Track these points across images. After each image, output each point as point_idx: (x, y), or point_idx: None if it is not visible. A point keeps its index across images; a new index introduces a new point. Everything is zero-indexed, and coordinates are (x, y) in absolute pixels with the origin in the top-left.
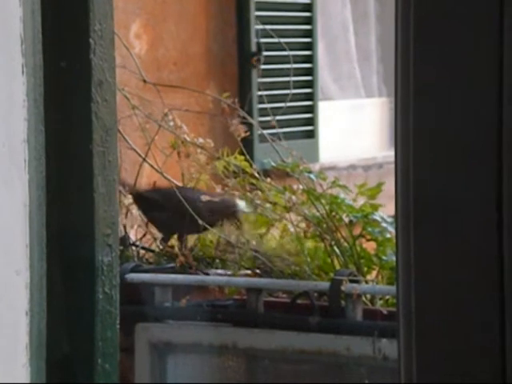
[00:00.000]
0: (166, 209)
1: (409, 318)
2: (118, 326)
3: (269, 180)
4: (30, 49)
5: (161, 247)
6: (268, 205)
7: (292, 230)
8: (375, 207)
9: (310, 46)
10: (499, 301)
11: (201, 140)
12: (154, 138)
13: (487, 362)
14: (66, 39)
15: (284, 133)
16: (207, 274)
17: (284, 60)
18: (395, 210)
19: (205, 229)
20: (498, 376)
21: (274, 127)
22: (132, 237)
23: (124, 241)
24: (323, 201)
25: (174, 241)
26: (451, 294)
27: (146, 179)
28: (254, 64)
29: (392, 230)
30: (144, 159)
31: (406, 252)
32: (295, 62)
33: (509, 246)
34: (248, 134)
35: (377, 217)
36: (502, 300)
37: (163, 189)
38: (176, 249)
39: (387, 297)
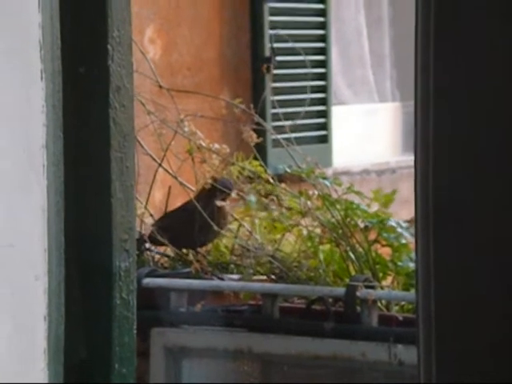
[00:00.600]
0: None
1: (428, 323)
2: (135, 331)
3: (283, 185)
4: (49, 55)
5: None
6: (283, 210)
7: (307, 235)
8: (388, 215)
9: (323, 51)
10: None
11: (216, 146)
12: (170, 144)
13: (509, 368)
14: (85, 45)
15: (297, 138)
16: (222, 279)
17: (297, 65)
18: (415, 215)
19: (217, 235)
20: None
21: (287, 132)
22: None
23: (139, 245)
24: (338, 206)
25: None
26: (470, 299)
27: (161, 184)
28: (264, 71)
29: (407, 235)
30: (160, 164)
31: (426, 257)
32: (309, 67)
33: None
34: (260, 139)
35: (392, 222)
36: None
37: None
38: (191, 255)
39: (403, 303)
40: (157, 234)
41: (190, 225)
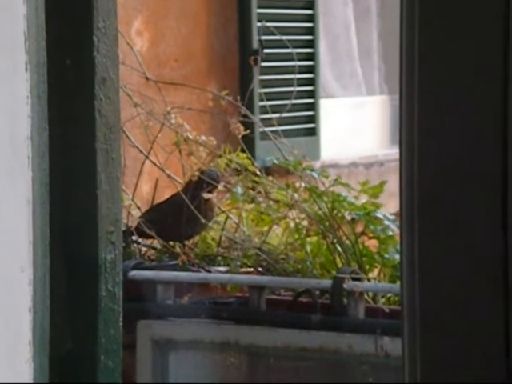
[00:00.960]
0: (162, 220)
1: (413, 316)
2: (120, 324)
3: (271, 178)
4: (34, 46)
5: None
6: (271, 202)
7: (294, 227)
8: (377, 206)
9: (311, 44)
10: (504, 299)
11: (203, 138)
12: (156, 136)
13: (492, 360)
14: (70, 36)
15: (285, 130)
16: (209, 272)
17: (285, 57)
18: (399, 208)
19: (204, 227)
20: (502, 374)
21: (274, 125)
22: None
23: (126, 237)
24: (325, 198)
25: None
26: (455, 293)
27: (148, 176)
28: (252, 63)
29: (394, 227)
30: (147, 157)
31: (410, 250)
32: (297, 60)
33: None
34: (248, 132)
35: (379, 214)
36: (506, 298)
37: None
38: (177, 248)
39: (389, 295)
40: (144, 226)
41: (177, 217)
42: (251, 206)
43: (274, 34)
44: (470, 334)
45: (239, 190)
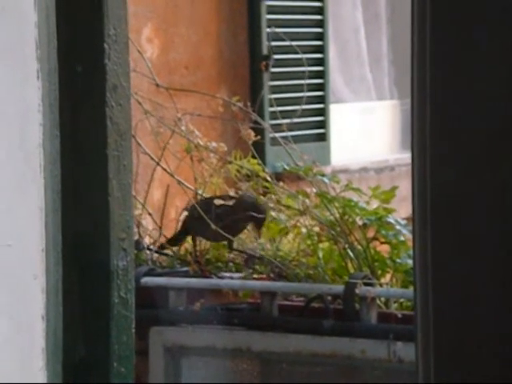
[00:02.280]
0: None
1: (426, 320)
2: (133, 330)
3: (281, 184)
4: (45, 54)
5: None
6: (282, 208)
7: (306, 233)
8: (389, 211)
9: (321, 49)
10: None
11: (214, 144)
12: (168, 142)
13: (505, 362)
14: (81, 44)
15: (296, 136)
16: (221, 278)
17: (295, 63)
18: (412, 213)
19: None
20: None
21: (284, 130)
22: (145, 239)
23: (138, 244)
24: (336, 204)
25: (187, 245)
26: (469, 297)
27: (159, 182)
28: (263, 69)
29: (406, 232)
30: (157, 163)
31: (424, 254)
32: (307, 65)
33: None
34: (258, 137)
35: (391, 219)
36: None
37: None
38: (188, 256)
39: (402, 300)
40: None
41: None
42: None
43: (283, 40)
44: (484, 338)
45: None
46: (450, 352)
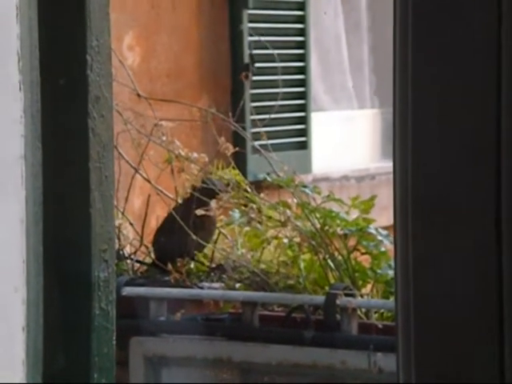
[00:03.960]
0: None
1: (407, 331)
2: (114, 342)
3: (262, 195)
4: (27, 65)
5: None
6: (263, 217)
7: (287, 243)
8: (368, 221)
9: (302, 58)
10: (498, 310)
11: (195, 155)
12: (145, 150)
13: (486, 372)
14: (63, 55)
15: (277, 144)
16: (202, 288)
17: (276, 72)
18: (393, 223)
19: (198, 247)
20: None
21: (264, 139)
22: (126, 249)
23: (118, 254)
24: (317, 214)
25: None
26: (450, 307)
27: (140, 191)
28: (243, 78)
29: (387, 242)
30: (136, 170)
31: (405, 265)
32: (288, 74)
33: (508, 257)
34: (237, 149)
35: (372, 230)
36: (500, 309)
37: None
38: (169, 266)
39: (382, 310)
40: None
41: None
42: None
43: (265, 48)
44: (466, 349)
45: (236, 214)
46: (431, 362)
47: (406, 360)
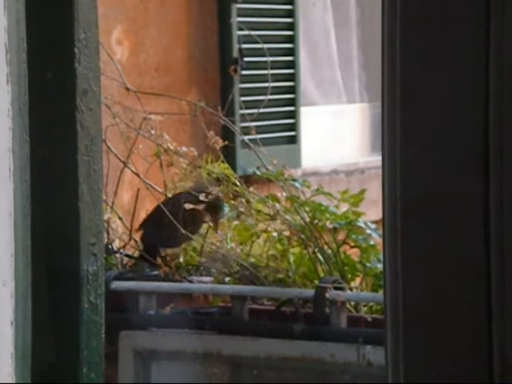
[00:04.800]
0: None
1: (396, 324)
2: (103, 335)
3: (252, 188)
4: (15, 58)
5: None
6: (252, 211)
7: (277, 237)
8: (358, 215)
9: (291, 52)
10: (486, 305)
11: (184, 149)
12: (134, 144)
13: (475, 365)
14: (51, 48)
15: (266, 138)
16: (191, 282)
17: (266, 66)
18: (382, 217)
19: (186, 239)
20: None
21: (253, 133)
22: (115, 242)
23: (107, 248)
24: (307, 208)
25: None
26: (438, 300)
27: (129, 185)
28: (232, 72)
29: (376, 236)
30: (124, 164)
31: (393, 258)
32: (277, 68)
33: (495, 251)
34: (227, 143)
35: (361, 223)
36: (488, 304)
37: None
38: (159, 260)
39: (371, 304)
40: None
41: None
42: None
43: (254, 43)
44: (454, 342)
45: (225, 208)
46: (419, 355)
47: (395, 354)
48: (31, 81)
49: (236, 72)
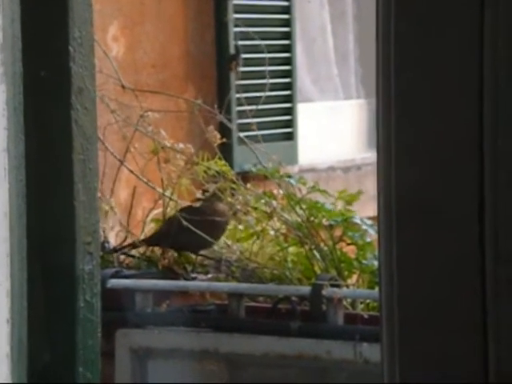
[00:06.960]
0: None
1: (392, 322)
2: (99, 334)
3: (249, 185)
4: (10, 57)
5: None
6: (249, 209)
7: (273, 234)
8: (352, 213)
9: (288, 48)
10: (481, 303)
11: (181, 145)
12: (131, 141)
13: (470, 362)
14: (46, 47)
15: (263, 135)
16: (190, 279)
17: (263, 62)
18: (377, 214)
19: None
20: (480, 376)
21: (253, 130)
22: (112, 240)
23: (103, 246)
24: (303, 205)
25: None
26: (434, 297)
27: (126, 183)
28: (232, 68)
29: (372, 232)
30: (121, 162)
31: (389, 255)
32: (274, 64)
33: (490, 248)
34: (224, 139)
35: (357, 220)
36: (483, 302)
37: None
38: (158, 253)
39: (368, 301)
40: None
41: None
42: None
43: (251, 39)
44: (449, 338)
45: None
46: (415, 352)
47: (390, 354)
48: (26, 80)
49: (233, 68)
